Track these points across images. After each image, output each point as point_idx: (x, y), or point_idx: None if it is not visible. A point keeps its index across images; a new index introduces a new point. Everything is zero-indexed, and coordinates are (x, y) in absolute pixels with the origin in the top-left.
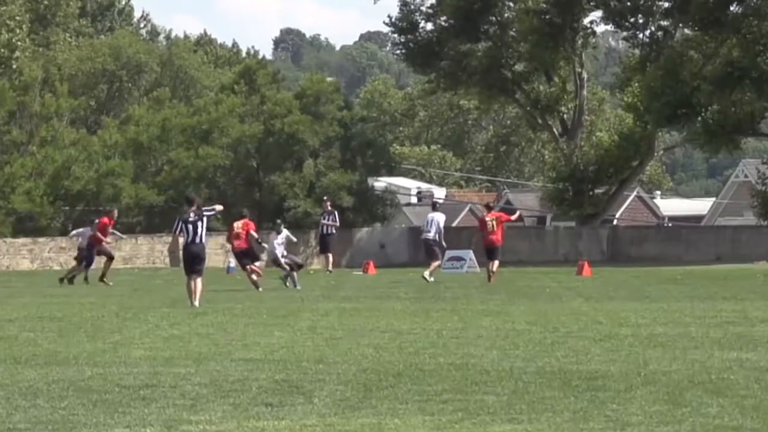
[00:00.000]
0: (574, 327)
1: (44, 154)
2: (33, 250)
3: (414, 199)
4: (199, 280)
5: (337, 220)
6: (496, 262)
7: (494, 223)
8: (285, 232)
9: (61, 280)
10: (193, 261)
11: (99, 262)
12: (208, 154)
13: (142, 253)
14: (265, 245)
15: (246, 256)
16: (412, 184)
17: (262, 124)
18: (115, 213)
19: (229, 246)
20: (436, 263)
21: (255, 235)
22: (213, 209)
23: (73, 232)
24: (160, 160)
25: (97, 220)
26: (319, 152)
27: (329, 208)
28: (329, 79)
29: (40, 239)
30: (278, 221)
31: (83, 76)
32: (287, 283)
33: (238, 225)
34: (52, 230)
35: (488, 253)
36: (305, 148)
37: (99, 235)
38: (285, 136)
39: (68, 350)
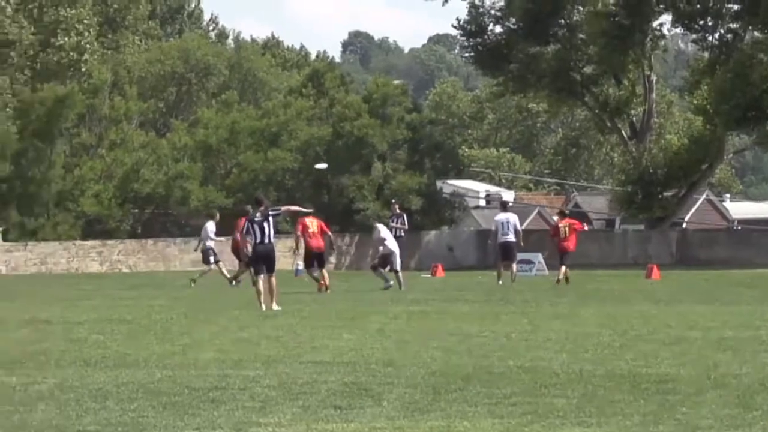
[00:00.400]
0: (643, 330)
1: (113, 156)
2: (102, 253)
3: (482, 202)
4: (272, 279)
5: (406, 222)
6: (564, 267)
7: (567, 229)
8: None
9: (230, 281)
10: (263, 260)
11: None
12: (277, 157)
13: None
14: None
15: (321, 258)
16: (481, 187)
17: (331, 126)
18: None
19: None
20: (514, 266)
21: (330, 235)
22: (278, 209)
23: (209, 242)
24: (228, 163)
25: (210, 223)
26: (387, 155)
27: (397, 210)
28: (396, 81)
29: (109, 242)
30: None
31: (152, 78)
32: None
33: (313, 223)
34: (121, 233)
35: (562, 258)
36: (373, 151)
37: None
38: (353, 139)
39: (138, 353)
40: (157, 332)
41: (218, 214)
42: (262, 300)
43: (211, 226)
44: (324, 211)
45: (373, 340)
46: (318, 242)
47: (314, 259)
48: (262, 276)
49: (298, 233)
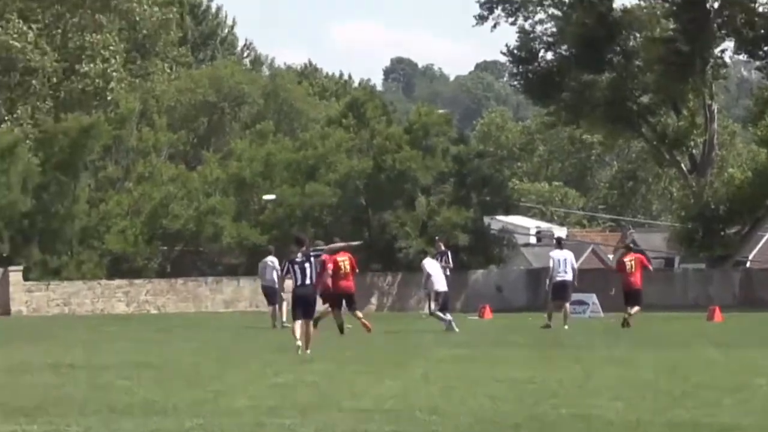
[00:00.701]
0: (705, 376)
1: (141, 191)
2: (129, 293)
3: (533, 239)
4: (309, 325)
5: (450, 261)
6: (636, 307)
7: (633, 264)
8: None
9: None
10: (302, 304)
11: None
12: (315, 191)
13: (244, 295)
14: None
15: (351, 299)
16: (531, 224)
17: (372, 159)
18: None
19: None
20: (568, 306)
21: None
22: (321, 249)
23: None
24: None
25: (270, 258)
26: (432, 189)
27: (442, 248)
28: (440, 111)
29: (137, 281)
30: None
31: (182, 108)
32: None
33: (345, 262)
34: (149, 271)
35: (627, 296)
36: (417, 185)
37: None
38: (396, 173)
39: (166, 399)
40: (187, 377)
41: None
42: (303, 341)
43: (273, 261)
44: (364, 250)
45: (417, 386)
46: (349, 282)
47: (342, 300)
48: (299, 321)
49: (328, 271)
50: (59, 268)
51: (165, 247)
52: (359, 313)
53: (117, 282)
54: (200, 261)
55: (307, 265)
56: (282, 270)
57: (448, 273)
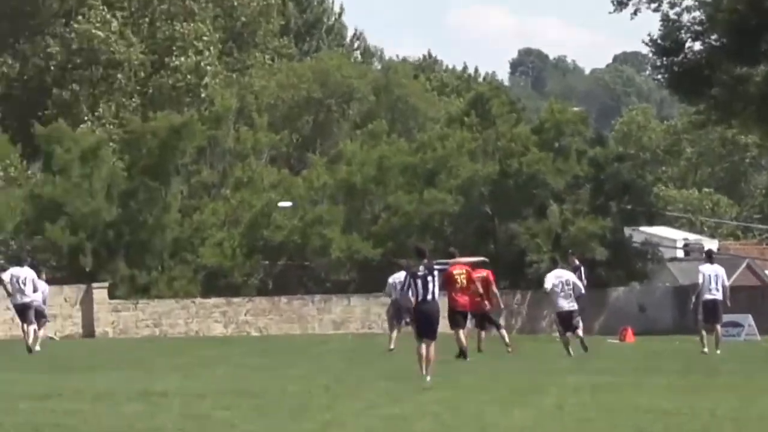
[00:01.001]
0: None
1: (239, 198)
2: (226, 313)
3: (680, 253)
4: (432, 347)
5: (584, 277)
6: None
7: None
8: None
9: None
10: (426, 322)
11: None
12: (434, 199)
13: (356, 315)
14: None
15: (486, 318)
16: (678, 235)
17: (498, 162)
18: None
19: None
20: (719, 328)
21: (496, 291)
22: (446, 262)
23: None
24: (376, 206)
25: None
26: (565, 196)
27: (576, 263)
28: (575, 108)
29: (235, 299)
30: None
31: (284, 105)
32: None
33: (461, 275)
34: (249, 289)
35: None
36: (548, 191)
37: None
38: (524, 177)
39: None
40: (291, 408)
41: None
42: (423, 364)
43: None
44: (490, 264)
45: (551, 418)
46: (464, 299)
47: (459, 319)
48: (425, 340)
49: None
50: (148, 284)
51: (266, 262)
52: (483, 334)
53: (213, 300)
54: (306, 277)
55: (429, 278)
56: (403, 285)
57: (583, 291)
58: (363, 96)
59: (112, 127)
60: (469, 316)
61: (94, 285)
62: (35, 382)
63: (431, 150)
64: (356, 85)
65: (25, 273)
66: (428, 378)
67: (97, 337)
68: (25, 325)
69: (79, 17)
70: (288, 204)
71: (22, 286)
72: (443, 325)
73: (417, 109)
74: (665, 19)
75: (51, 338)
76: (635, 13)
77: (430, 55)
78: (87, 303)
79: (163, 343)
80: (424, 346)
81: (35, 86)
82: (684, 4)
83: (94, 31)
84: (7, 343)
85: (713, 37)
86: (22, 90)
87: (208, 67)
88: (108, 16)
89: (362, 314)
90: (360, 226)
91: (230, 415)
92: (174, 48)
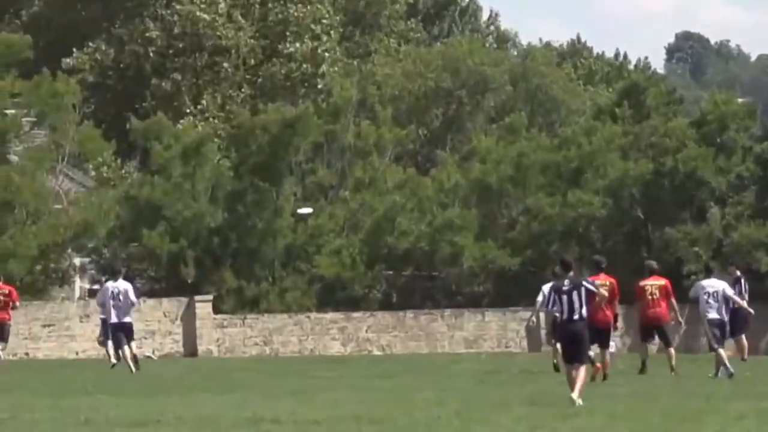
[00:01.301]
0: None
1: (360, 201)
2: (345, 329)
3: None
4: (582, 369)
5: (745, 290)
6: None
7: None
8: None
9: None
10: (572, 343)
11: None
12: (579, 201)
13: (491, 332)
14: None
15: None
16: None
17: (651, 160)
18: None
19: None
20: None
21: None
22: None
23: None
24: (514, 209)
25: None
26: (728, 198)
27: (737, 273)
28: (741, 100)
29: (355, 314)
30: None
31: (411, 96)
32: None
33: (653, 285)
34: (371, 302)
35: None
36: (708, 193)
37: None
38: (681, 177)
39: None
40: None
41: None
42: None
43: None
44: (640, 274)
45: None
46: (656, 311)
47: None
48: (572, 365)
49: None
50: (258, 297)
51: (390, 272)
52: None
53: (330, 315)
54: (434, 289)
55: (575, 294)
56: (547, 300)
57: (744, 305)
58: (499, 86)
59: (217, 121)
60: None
61: (197, 298)
62: (131, 407)
63: (576, 146)
64: (491, 73)
65: (122, 286)
66: (579, 401)
67: (200, 356)
68: (119, 351)
69: None
70: (308, 211)
71: (119, 302)
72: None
73: (560, 101)
74: None
75: (149, 357)
76: None
77: (579, 39)
78: (189, 318)
79: (274, 363)
80: (574, 371)
81: (132, 75)
82: None
83: (198, 13)
84: (98, 362)
85: None
86: (118, 80)
87: (326, 54)
88: None
89: (498, 331)
90: (495, 232)
91: None
92: (288, 32)
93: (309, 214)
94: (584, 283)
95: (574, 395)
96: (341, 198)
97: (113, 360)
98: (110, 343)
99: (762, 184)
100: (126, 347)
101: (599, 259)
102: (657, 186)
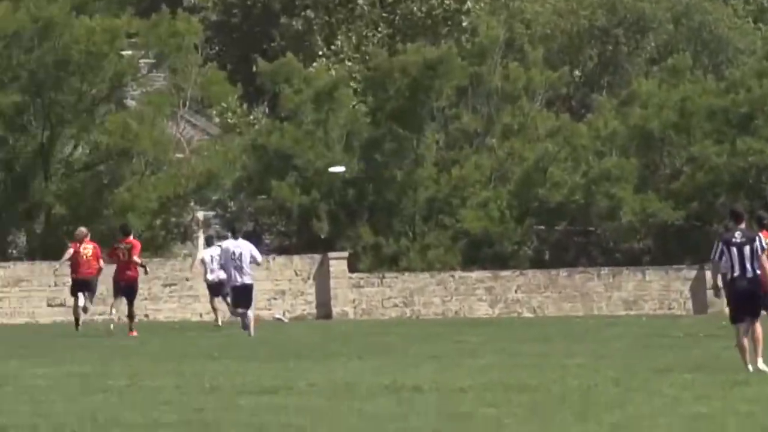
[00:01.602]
0: None
1: (509, 149)
2: (493, 289)
3: None
4: (757, 327)
5: None
6: None
7: None
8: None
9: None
10: (743, 300)
11: None
12: (749, 149)
13: (652, 292)
14: None
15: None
16: None
17: None
18: None
19: None
20: None
21: None
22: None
23: None
24: (677, 159)
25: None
26: None
27: None
28: None
29: (503, 273)
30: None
31: (564, 36)
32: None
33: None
34: (521, 260)
35: None
36: None
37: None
38: None
39: None
40: (574, 405)
41: None
42: (747, 359)
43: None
44: None
45: None
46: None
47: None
48: (742, 325)
49: None
50: (397, 254)
51: (541, 227)
52: None
53: (476, 274)
54: (590, 245)
55: (747, 248)
56: (714, 252)
57: None
58: (660, 24)
59: (352, 63)
60: None
61: (331, 255)
62: (259, 373)
63: (745, 90)
64: (651, 10)
65: (242, 246)
66: (760, 362)
67: (334, 318)
68: (216, 301)
69: None
70: (340, 169)
71: (239, 262)
72: None
73: (727, 40)
74: None
75: (279, 319)
76: None
77: None
78: (322, 277)
79: (415, 325)
80: (743, 333)
81: (259, 13)
82: None
83: None
84: (225, 325)
85: None
86: (243, 18)
87: None
88: None
89: (660, 291)
90: (657, 184)
91: (498, 414)
92: None
93: (341, 173)
94: (759, 237)
95: (760, 363)
96: (488, 146)
97: (219, 322)
98: (222, 304)
99: None
100: (249, 311)
101: (763, 214)
102: None
